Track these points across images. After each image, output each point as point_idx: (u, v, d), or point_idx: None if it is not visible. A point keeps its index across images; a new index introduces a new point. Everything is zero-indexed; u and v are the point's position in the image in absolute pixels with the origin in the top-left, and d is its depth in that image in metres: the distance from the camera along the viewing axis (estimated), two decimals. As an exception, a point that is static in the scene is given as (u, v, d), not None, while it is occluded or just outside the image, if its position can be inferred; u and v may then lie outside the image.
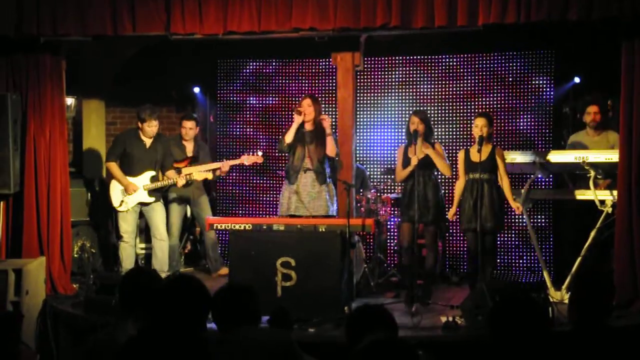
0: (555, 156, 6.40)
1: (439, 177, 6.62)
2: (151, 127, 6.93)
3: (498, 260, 7.62)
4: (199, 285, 3.24)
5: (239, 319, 3.31)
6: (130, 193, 6.87)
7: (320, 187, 6.44)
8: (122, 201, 6.90)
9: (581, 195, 6.41)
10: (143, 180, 6.96)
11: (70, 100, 8.36)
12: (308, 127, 6.51)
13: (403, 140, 6.64)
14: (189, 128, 7.44)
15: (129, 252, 6.92)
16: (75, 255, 7.44)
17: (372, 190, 7.36)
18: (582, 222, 6.56)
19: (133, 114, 8.77)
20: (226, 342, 3.27)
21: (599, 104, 6.73)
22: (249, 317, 3.34)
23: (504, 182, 6.23)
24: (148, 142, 7.02)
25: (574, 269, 6.16)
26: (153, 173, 6.99)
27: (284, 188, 6.60)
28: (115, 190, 6.93)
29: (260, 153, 7.17)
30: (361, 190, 7.38)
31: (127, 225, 6.93)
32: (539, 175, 6.55)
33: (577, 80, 7.64)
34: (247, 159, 7.12)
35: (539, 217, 7.78)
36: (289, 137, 6.47)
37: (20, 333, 5.77)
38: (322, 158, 6.46)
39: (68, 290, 6.72)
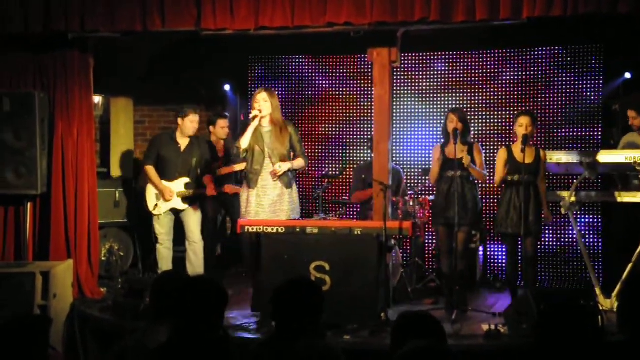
0: (605, 156, 6.15)
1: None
2: (193, 123, 6.83)
3: (542, 266, 7.46)
4: (216, 286, 3.27)
5: (300, 313, 3.20)
6: (167, 199, 6.75)
7: (282, 190, 6.03)
8: (156, 205, 6.81)
9: (631, 197, 6.17)
10: (177, 187, 6.82)
11: (97, 99, 8.31)
12: (265, 124, 6.02)
13: (439, 140, 6.38)
14: (222, 127, 7.42)
15: (164, 254, 6.83)
16: (103, 259, 7.38)
17: (410, 192, 7.13)
18: (632, 225, 6.30)
19: (162, 113, 8.77)
20: (276, 353, 3.16)
21: (634, 108, 6.51)
22: (311, 312, 3.22)
23: (543, 187, 6.04)
24: (184, 144, 6.87)
25: (624, 275, 5.91)
26: (187, 180, 6.84)
27: (242, 191, 6.15)
28: (150, 194, 6.85)
29: None
30: (397, 197, 7.08)
31: (161, 227, 6.83)
32: (586, 176, 6.27)
33: (627, 76, 7.34)
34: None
35: (587, 220, 7.52)
36: (244, 142, 5.94)
37: (49, 337, 5.67)
38: (284, 158, 6.02)
39: (95, 294, 6.67)
